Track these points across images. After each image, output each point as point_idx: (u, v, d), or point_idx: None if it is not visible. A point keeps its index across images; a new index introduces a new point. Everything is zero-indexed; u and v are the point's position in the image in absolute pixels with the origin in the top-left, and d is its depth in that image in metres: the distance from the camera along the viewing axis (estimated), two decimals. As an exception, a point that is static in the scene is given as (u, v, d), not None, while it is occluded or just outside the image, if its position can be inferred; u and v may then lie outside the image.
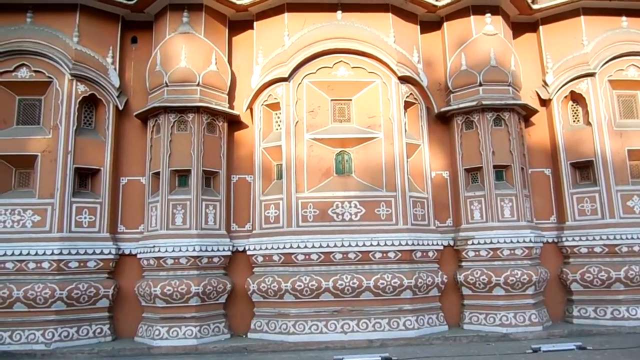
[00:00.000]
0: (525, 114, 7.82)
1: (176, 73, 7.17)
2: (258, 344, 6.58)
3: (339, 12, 7.55)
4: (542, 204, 7.82)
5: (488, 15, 7.68)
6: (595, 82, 7.64)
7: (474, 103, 7.39)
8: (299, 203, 6.95)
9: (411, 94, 7.49)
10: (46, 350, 6.33)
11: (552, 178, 7.88)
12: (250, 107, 7.51)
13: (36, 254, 6.50)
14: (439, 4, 7.77)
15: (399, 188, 7.04)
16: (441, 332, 6.93)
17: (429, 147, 7.64)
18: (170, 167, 7.01)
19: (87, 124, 7.30)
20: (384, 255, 6.82)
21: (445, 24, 8.03)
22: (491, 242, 7.10)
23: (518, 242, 7.06)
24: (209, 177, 7.23)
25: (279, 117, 7.39)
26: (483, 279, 7.03)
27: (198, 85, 7.20)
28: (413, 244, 6.89)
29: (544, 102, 8.04)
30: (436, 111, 7.66)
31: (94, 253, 6.79)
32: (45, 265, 6.51)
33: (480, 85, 7.50)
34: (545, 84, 7.99)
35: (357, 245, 6.77)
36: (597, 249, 7.28)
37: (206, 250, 6.81)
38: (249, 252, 7.08)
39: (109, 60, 7.41)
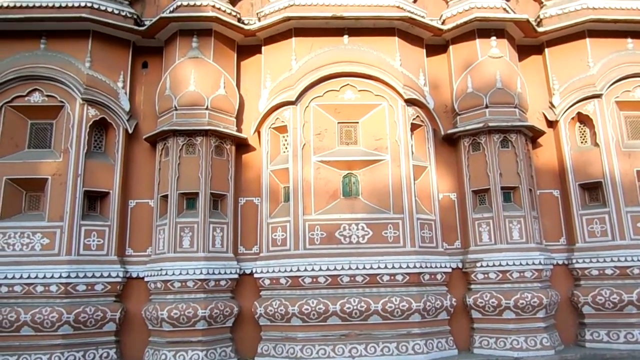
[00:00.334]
0: (532, 135, 7.82)
1: (185, 97, 7.27)
2: (265, 368, 6.52)
3: (346, 36, 7.66)
4: (551, 225, 7.75)
5: (493, 38, 7.76)
6: (602, 104, 7.64)
7: (480, 125, 7.41)
8: (306, 225, 6.94)
9: (418, 116, 7.53)
10: (52, 375, 6.29)
11: (561, 199, 7.83)
12: (257, 130, 7.58)
13: (44, 277, 6.51)
14: (444, 27, 7.86)
15: (406, 210, 7.03)
16: (451, 357, 6.82)
17: (436, 169, 7.64)
18: (178, 190, 7.05)
19: (97, 148, 7.40)
20: (392, 278, 6.77)
21: (451, 47, 8.11)
22: (500, 265, 7.03)
23: (527, 264, 6.98)
24: (216, 200, 7.25)
25: (286, 140, 7.44)
26: (493, 302, 6.95)
27: (207, 109, 7.29)
28: (421, 267, 6.84)
29: (551, 124, 8.05)
30: (443, 133, 7.68)
31: (101, 276, 6.79)
32: (53, 288, 6.52)
33: (487, 107, 7.53)
34: (552, 105, 8.01)
35: (364, 268, 6.72)
36: (608, 271, 7.18)
37: (213, 273, 6.79)
38: (256, 275, 7.06)
39: (120, 84, 7.54)
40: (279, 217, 7.17)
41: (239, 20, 7.85)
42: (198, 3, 7.51)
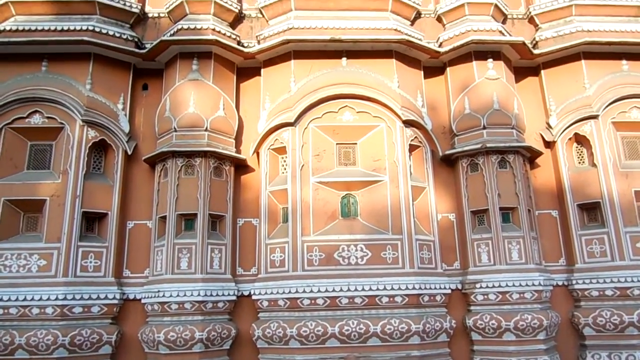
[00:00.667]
0: (530, 155, 7.86)
1: (185, 118, 7.32)
2: (263, 392, 6.43)
3: (344, 58, 7.75)
4: (550, 246, 7.74)
5: (490, 60, 7.85)
6: (598, 124, 7.69)
7: (478, 146, 7.45)
8: (305, 246, 6.92)
9: (416, 137, 7.58)
10: (47, 399, 6.20)
11: (560, 220, 7.82)
12: (256, 151, 7.61)
13: (40, 299, 6.45)
14: (441, 50, 7.96)
15: (405, 231, 7.02)
16: (451, 380, 6.75)
17: (435, 189, 7.65)
18: (176, 210, 7.05)
19: (96, 169, 7.41)
20: (391, 299, 6.72)
21: (448, 69, 8.20)
22: (499, 286, 6.99)
23: (527, 285, 6.94)
24: (215, 221, 7.25)
25: (285, 161, 7.47)
26: (492, 324, 6.89)
27: (206, 130, 7.33)
28: (420, 288, 6.79)
29: (549, 144, 8.09)
30: (441, 154, 7.72)
31: (98, 298, 6.73)
32: (49, 310, 6.46)
33: (484, 128, 7.58)
34: (549, 126, 8.06)
35: (363, 290, 6.68)
36: (609, 292, 7.14)
37: (211, 295, 6.74)
38: (254, 297, 7.00)
39: (120, 106, 7.60)
40: (277, 238, 7.15)
41: (239, 43, 7.95)
42: (199, 26, 7.62)
